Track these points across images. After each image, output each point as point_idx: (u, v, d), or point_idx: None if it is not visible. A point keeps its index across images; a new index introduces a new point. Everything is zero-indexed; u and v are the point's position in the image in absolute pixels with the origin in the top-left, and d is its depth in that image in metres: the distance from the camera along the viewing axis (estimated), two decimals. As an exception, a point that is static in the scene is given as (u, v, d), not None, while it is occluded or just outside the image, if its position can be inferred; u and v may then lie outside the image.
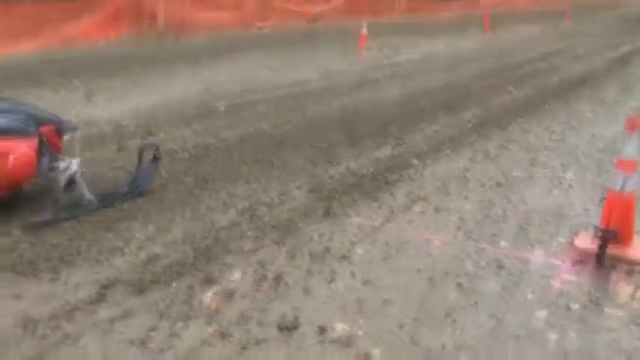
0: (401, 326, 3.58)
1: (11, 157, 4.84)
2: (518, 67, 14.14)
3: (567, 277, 4.21)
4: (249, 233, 4.79)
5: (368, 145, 7.36)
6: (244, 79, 12.04)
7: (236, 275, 4.11)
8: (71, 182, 5.20)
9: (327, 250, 4.52)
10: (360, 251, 4.53)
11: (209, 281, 4.02)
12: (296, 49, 16.86)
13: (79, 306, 3.73)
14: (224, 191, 5.72)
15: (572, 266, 4.38)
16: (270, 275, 4.12)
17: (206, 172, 6.27)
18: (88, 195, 5.25)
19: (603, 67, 14.58)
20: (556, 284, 4.11)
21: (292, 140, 7.61)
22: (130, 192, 5.54)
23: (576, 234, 4.87)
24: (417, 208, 5.41)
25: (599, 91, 11.49)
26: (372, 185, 5.94)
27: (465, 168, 6.58)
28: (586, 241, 4.65)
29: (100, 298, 3.81)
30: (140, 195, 5.54)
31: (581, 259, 4.48)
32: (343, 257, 4.42)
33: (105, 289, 3.91)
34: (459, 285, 4.05)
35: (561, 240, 4.81)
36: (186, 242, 4.62)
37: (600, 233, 4.39)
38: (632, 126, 4.37)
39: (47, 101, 8.43)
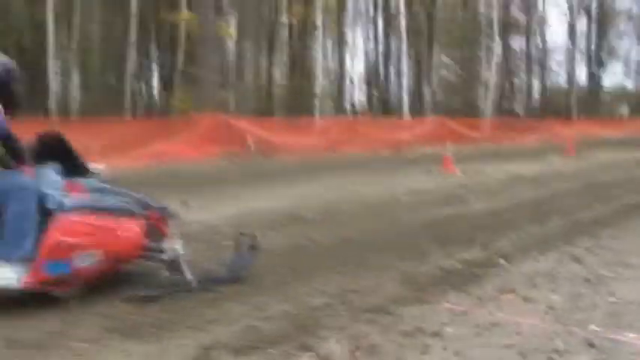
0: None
1: (119, 233, 5.28)
2: (602, 187, 14.17)
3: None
4: (342, 313, 5.00)
5: (455, 249, 7.51)
6: (331, 193, 12.47)
7: (331, 344, 4.30)
8: (174, 262, 5.62)
9: (418, 329, 4.67)
10: (450, 330, 4.67)
11: (305, 348, 4.22)
12: (383, 170, 17.36)
13: (185, 362, 3.98)
14: (316, 281, 5.95)
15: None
16: (364, 345, 4.29)
17: (298, 266, 6.54)
18: (189, 276, 5.59)
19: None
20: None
21: (381, 243, 7.86)
22: (227, 277, 5.86)
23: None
24: (505, 298, 5.52)
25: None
26: (460, 279, 6.09)
27: (551, 267, 6.66)
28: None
29: (203, 356, 4.05)
30: (236, 281, 5.82)
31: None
32: (435, 334, 4.56)
33: (207, 350, 4.17)
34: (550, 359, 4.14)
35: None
36: (282, 318, 4.85)
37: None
38: None
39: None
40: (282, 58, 42.44)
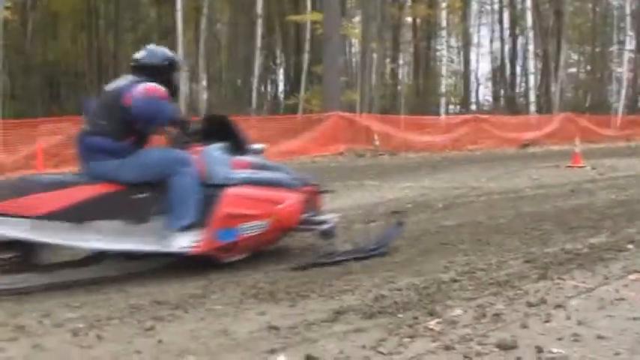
0: (616, 354, 3.77)
1: (281, 205, 5.94)
2: None
3: None
4: (468, 287, 5.16)
5: (581, 234, 7.51)
6: (459, 185, 12.63)
7: (458, 312, 4.48)
8: (330, 233, 6.26)
9: (542, 300, 4.78)
10: (575, 303, 4.75)
11: (433, 314, 4.43)
12: (508, 165, 17.30)
13: (316, 322, 4.29)
14: (444, 259, 6.14)
15: None
16: (490, 313, 4.44)
17: (427, 247, 6.76)
18: (341, 246, 6.18)
19: None
20: None
21: (507, 228, 7.94)
22: (377, 248, 6.33)
23: None
24: (632, 277, 5.53)
25: None
26: (586, 260, 6.11)
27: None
28: None
29: (334, 319, 4.36)
30: (383, 254, 6.23)
31: None
32: (559, 306, 4.65)
33: (338, 314, 4.45)
34: (675, 330, 4.17)
35: None
36: (410, 289, 5.07)
37: None
38: None
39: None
40: (406, 57, 42.57)
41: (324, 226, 6.26)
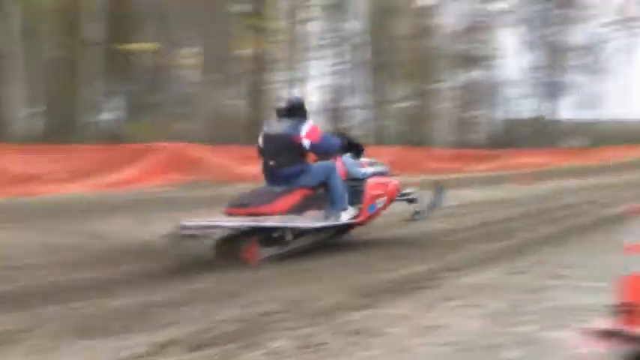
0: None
1: (390, 186, 9.51)
2: (553, 212, 14.62)
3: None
4: (292, 317, 5.25)
5: (404, 263, 7.83)
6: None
7: (282, 342, 4.56)
8: (415, 200, 10.02)
9: (365, 329, 4.92)
10: (395, 331, 4.93)
11: (257, 345, 4.48)
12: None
13: (142, 355, 4.24)
14: (268, 290, 6.19)
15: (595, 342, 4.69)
16: (313, 343, 4.56)
17: (252, 277, 6.80)
18: (422, 207, 10.02)
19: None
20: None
21: (332, 258, 8.13)
22: (433, 208, 10.17)
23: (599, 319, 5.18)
24: (449, 304, 5.80)
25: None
26: (407, 288, 6.36)
27: (496, 279, 7.01)
28: (608, 324, 4.95)
29: (157, 352, 4.29)
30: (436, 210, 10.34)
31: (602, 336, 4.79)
32: (380, 334, 4.82)
33: (162, 347, 4.41)
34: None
35: (585, 325, 5.12)
36: (236, 321, 5.09)
37: (617, 310, 4.71)
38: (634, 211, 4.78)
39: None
40: (242, 89, 42.68)
41: (411, 196, 9.97)
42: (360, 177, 9.06)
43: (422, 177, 27.78)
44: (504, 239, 10.12)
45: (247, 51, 40.75)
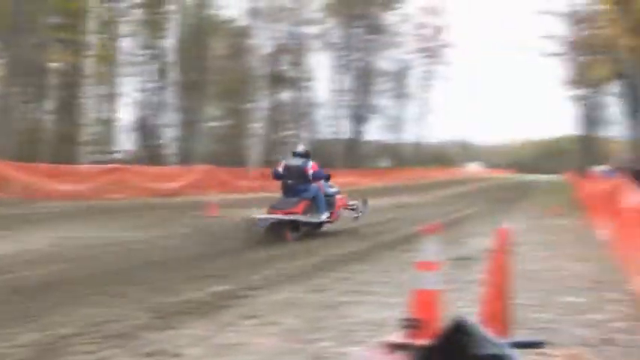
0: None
1: (342, 200, 14.80)
2: (361, 229, 15.10)
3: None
4: (92, 340, 5.10)
5: (207, 283, 7.80)
6: (97, 235, 12.40)
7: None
8: (357, 209, 15.25)
9: (162, 350, 4.90)
10: (193, 351, 4.92)
11: None
12: (147, 215, 17.36)
13: None
14: (70, 312, 5.99)
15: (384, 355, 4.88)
16: None
17: (55, 300, 6.56)
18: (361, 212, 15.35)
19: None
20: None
21: (136, 279, 8.00)
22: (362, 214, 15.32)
23: (393, 333, 5.40)
24: (247, 323, 5.85)
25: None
26: (207, 308, 6.37)
27: (297, 297, 7.10)
28: (400, 337, 5.18)
29: None
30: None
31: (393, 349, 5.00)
32: (177, 355, 4.80)
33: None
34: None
35: (380, 339, 5.32)
36: (33, 345, 4.88)
37: (407, 323, 4.94)
38: (429, 230, 5.07)
39: None
40: (51, 103, 41.16)
41: (353, 206, 14.97)
42: (331, 194, 14.24)
43: (234, 196, 28.05)
44: (309, 257, 10.34)
45: (58, 64, 39.40)
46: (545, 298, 7.53)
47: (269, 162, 47.97)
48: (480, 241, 13.07)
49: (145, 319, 5.90)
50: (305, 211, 13.20)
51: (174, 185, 28.54)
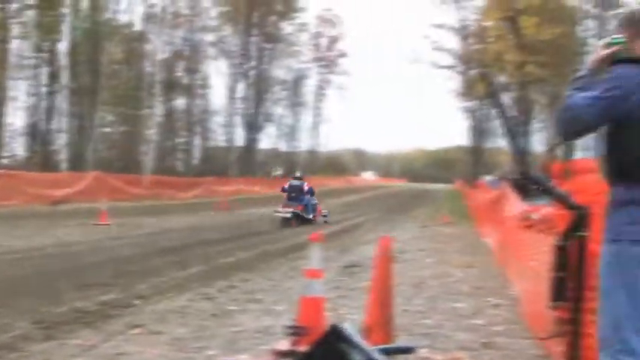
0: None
1: (320, 207, 23.65)
2: (240, 238, 15.15)
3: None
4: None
5: (94, 292, 7.73)
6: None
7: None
8: (326, 216, 23.42)
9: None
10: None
11: None
12: (37, 223, 16.93)
13: None
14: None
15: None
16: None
17: None
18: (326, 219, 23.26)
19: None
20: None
21: (22, 289, 7.86)
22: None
23: (279, 341, 5.47)
24: (133, 332, 5.82)
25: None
26: (93, 318, 6.36)
27: (184, 305, 7.12)
28: (286, 344, 5.25)
29: None
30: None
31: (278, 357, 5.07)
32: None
33: None
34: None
35: (265, 347, 5.39)
36: None
37: (292, 331, 5.01)
38: (316, 238, 5.17)
39: None
40: None
41: (325, 213, 22.90)
42: (314, 203, 22.00)
43: (127, 203, 27.64)
44: (198, 265, 10.35)
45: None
46: (429, 304, 7.75)
47: (164, 169, 47.57)
48: (370, 249, 13.33)
49: (29, 329, 5.79)
50: (302, 211, 20.79)
51: (64, 192, 27.84)
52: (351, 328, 3.32)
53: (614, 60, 3.12)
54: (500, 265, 11.24)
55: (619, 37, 3.25)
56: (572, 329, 3.02)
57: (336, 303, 7.49)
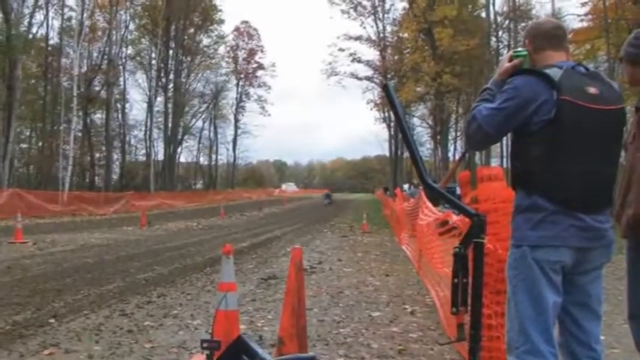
0: None
1: None
2: (166, 252, 15.02)
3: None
4: None
5: (7, 312, 7.56)
6: None
7: None
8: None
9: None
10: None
11: None
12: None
13: None
14: None
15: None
16: None
17: None
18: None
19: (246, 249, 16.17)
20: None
21: None
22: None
23: (193, 355, 5.46)
24: (47, 352, 5.72)
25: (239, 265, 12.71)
26: (5, 339, 6.18)
27: (99, 323, 7.05)
28: (200, 358, 5.23)
29: None
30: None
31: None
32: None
33: None
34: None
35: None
36: None
37: (205, 344, 4.98)
38: (229, 251, 5.18)
39: None
40: None
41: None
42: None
43: (45, 220, 27.11)
44: (114, 281, 10.21)
45: None
46: (346, 313, 7.87)
47: (83, 185, 46.70)
48: (286, 261, 13.40)
49: None
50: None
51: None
52: (252, 339, 3.37)
53: (516, 72, 3.24)
54: (418, 272, 11.43)
55: (522, 50, 3.39)
56: (472, 333, 3.12)
57: (253, 315, 7.54)
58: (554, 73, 3.17)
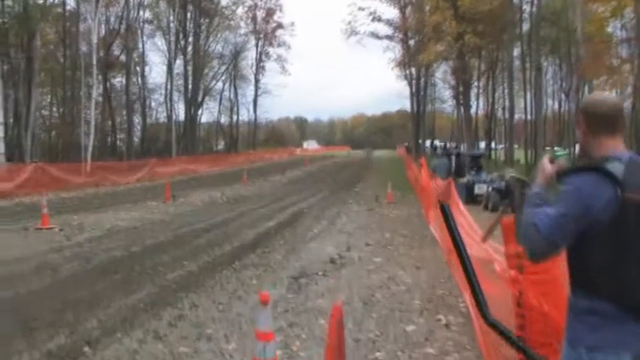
0: None
1: None
2: (193, 237, 14.99)
3: None
4: None
5: (42, 337, 7.48)
6: None
7: None
8: None
9: None
10: None
11: None
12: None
13: None
14: None
15: None
16: None
17: None
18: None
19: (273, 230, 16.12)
20: None
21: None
22: None
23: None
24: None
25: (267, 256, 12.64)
26: None
27: (134, 350, 6.92)
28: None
29: None
30: None
31: None
32: None
33: None
34: None
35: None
36: None
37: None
38: (263, 300, 5.08)
39: None
40: None
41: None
42: None
43: (68, 193, 27.06)
44: (145, 286, 10.10)
45: None
46: (381, 328, 7.74)
47: (104, 151, 46.61)
48: (317, 248, 13.39)
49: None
50: None
51: (2, 186, 27.21)
52: None
53: (561, 173, 3.05)
54: (447, 263, 11.31)
55: (560, 151, 3.21)
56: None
57: (287, 335, 7.44)
58: (616, 168, 2.94)
